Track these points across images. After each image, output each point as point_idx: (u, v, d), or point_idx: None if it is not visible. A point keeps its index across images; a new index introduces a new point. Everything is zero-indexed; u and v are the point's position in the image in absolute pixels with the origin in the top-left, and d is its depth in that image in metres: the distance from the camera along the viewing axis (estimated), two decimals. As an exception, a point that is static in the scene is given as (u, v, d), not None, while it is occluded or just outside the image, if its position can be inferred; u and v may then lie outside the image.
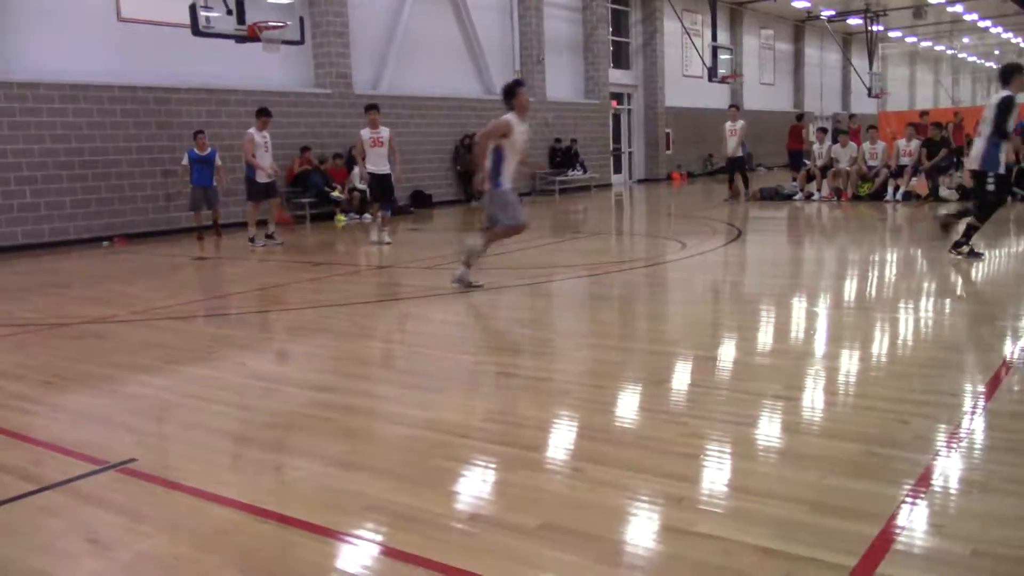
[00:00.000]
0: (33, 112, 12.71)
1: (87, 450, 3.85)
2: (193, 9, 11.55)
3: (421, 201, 18.59)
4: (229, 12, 12.07)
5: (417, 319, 7.02)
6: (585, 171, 23.27)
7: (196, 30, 11.72)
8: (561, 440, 3.97)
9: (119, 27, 13.86)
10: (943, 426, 3.79)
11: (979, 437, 3.71)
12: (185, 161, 13.67)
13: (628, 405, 4.47)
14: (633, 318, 7.00)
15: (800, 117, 20.88)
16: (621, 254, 11.35)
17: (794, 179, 18.66)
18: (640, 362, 5.28)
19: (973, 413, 3.98)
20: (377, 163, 11.85)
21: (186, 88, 14.58)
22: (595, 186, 23.82)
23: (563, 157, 22.71)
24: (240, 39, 12.39)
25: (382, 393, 4.80)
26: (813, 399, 4.38)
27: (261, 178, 12.28)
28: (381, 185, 12.11)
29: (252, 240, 12.40)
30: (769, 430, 3.93)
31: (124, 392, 4.94)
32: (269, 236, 12.59)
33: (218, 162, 13.78)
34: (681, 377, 4.97)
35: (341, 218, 16.14)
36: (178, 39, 13.64)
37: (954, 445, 3.57)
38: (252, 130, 12.16)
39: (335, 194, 16.10)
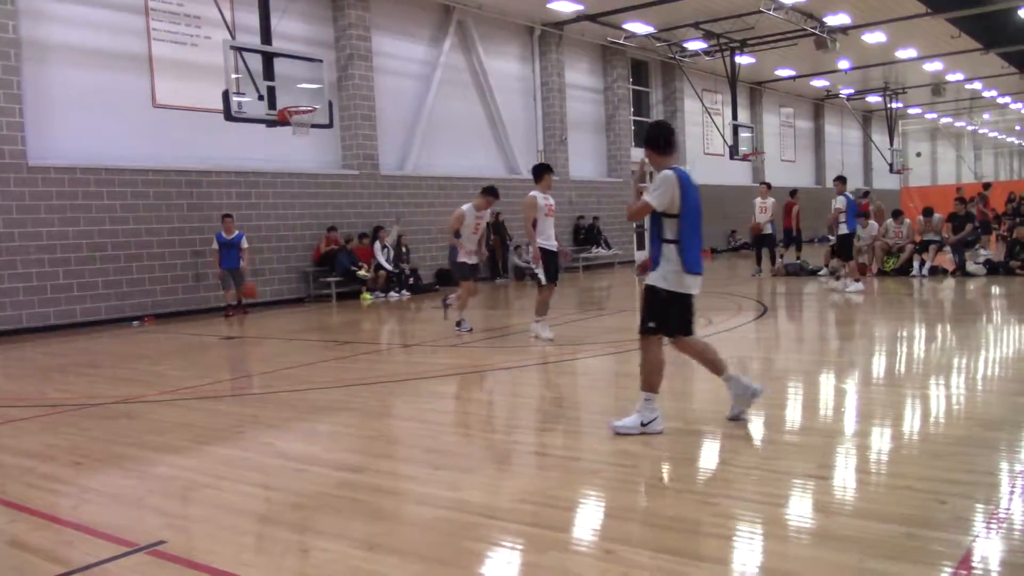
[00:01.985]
0: (69, 196, 13.08)
1: (117, 532, 3.84)
2: (226, 95, 11.91)
3: (445, 279, 18.72)
4: (260, 97, 12.43)
5: (444, 398, 7.01)
6: (609, 248, 23.43)
7: (228, 115, 12.06)
8: (592, 521, 3.92)
9: (154, 113, 14.35)
10: (982, 506, 3.70)
11: (1020, 518, 3.62)
12: (215, 245, 14.07)
13: (658, 485, 4.41)
14: (659, 396, 6.94)
15: (793, 193, 20.21)
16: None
17: (797, 257, 18.29)
18: (668, 441, 5.22)
19: (1012, 493, 3.89)
20: (549, 236, 9.80)
21: (217, 171, 14.97)
22: (619, 263, 23.94)
23: (586, 234, 22.91)
24: (271, 123, 12.73)
25: (410, 473, 4.77)
26: (847, 479, 4.30)
27: (463, 257, 10.72)
28: (555, 263, 9.97)
29: (459, 325, 10.76)
30: (803, 510, 3.86)
31: (153, 473, 4.96)
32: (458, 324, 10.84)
33: (244, 244, 14.18)
34: (710, 456, 4.90)
35: (367, 296, 16.29)
36: (210, 124, 14.08)
37: (994, 526, 3.48)
38: (467, 207, 10.65)
39: (361, 273, 16.29)
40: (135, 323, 13.56)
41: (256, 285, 14.69)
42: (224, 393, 7.66)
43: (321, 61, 13.78)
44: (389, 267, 16.79)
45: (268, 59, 12.60)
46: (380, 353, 10.13)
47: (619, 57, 25.01)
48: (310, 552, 3.58)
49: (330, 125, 14.10)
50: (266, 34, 12.86)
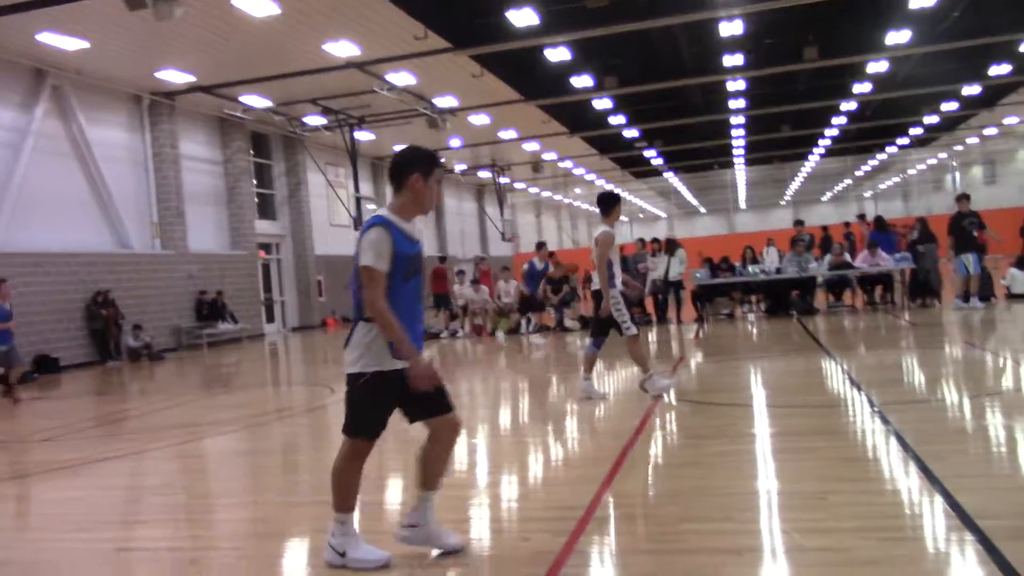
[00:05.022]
0: None
1: None
2: None
3: (46, 366, 16.78)
4: None
5: (28, 501, 6.24)
6: (236, 322, 22.63)
7: None
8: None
9: None
10: (561, 539, 4.10)
11: (595, 547, 4.09)
12: None
13: (262, 565, 4.32)
14: (279, 471, 6.83)
15: (442, 260, 22.01)
16: (269, 405, 11.07)
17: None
18: (293, 516, 5.14)
19: (587, 521, 4.39)
20: (619, 278, 8.29)
21: None
22: (247, 337, 23.20)
23: (210, 310, 21.92)
24: None
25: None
26: (474, 530, 4.55)
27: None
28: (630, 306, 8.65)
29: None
30: (436, 568, 4.00)
31: None
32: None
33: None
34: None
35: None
36: None
37: (572, 556, 3.89)
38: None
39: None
40: None
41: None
42: None
43: None
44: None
45: None
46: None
47: (238, 129, 24.60)
48: None
49: None
50: None
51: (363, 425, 3.99)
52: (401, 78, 21.15)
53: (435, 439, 4.04)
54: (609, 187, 49.66)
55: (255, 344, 22.43)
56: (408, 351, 3.83)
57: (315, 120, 25.05)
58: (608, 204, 8.12)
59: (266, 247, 26.59)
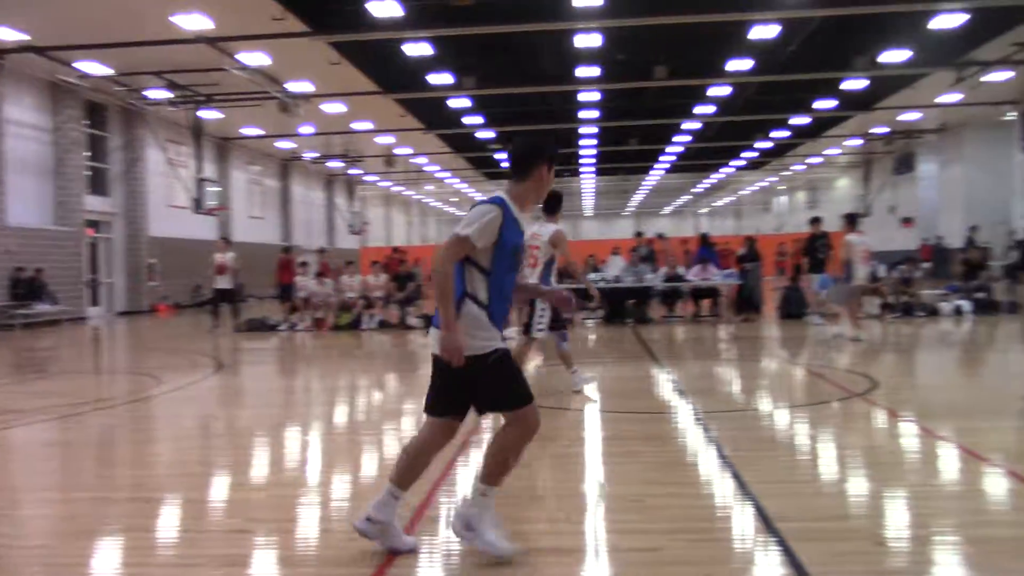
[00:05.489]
0: None
1: None
2: None
3: None
4: None
5: None
6: (55, 303, 21.15)
7: None
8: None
9: None
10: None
11: (424, 546, 4.11)
12: None
13: (105, 561, 4.09)
14: (92, 465, 6.47)
15: (288, 250, 21.53)
16: (86, 394, 10.43)
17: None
18: (104, 513, 4.88)
19: (417, 520, 4.42)
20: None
21: None
22: (67, 320, 21.73)
23: (26, 289, 20.38)
24: None
25: None
26: (301, 530, 4.47)
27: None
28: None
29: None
30: (262, 568, 3.92)
31: None
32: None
33: None
34: (169, 523, 4.70)
35: None
36: None
37: (400, 556, 3.90)
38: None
39: None
40: None
41: None
42: None
43: None
44: None
45: None
46: None
47: (71, 96, 22.97)
48: None
49: None
50: None
51: (524, 390, 3.86)
52: (255, 58, 20.39)
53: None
54: (462, 186, 50.04)
55: (76, 328, 21.04)
56: (450, 322, 3.72)
57: (158, 94, 23.71)
58: (558, 203, 8.39)
59: (95, 224, 24.99)
